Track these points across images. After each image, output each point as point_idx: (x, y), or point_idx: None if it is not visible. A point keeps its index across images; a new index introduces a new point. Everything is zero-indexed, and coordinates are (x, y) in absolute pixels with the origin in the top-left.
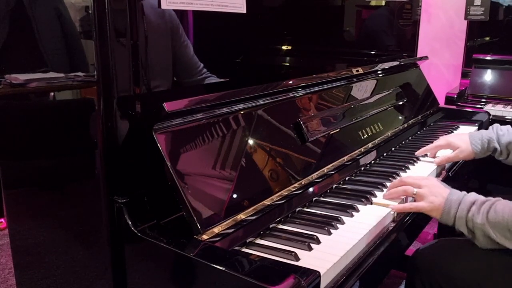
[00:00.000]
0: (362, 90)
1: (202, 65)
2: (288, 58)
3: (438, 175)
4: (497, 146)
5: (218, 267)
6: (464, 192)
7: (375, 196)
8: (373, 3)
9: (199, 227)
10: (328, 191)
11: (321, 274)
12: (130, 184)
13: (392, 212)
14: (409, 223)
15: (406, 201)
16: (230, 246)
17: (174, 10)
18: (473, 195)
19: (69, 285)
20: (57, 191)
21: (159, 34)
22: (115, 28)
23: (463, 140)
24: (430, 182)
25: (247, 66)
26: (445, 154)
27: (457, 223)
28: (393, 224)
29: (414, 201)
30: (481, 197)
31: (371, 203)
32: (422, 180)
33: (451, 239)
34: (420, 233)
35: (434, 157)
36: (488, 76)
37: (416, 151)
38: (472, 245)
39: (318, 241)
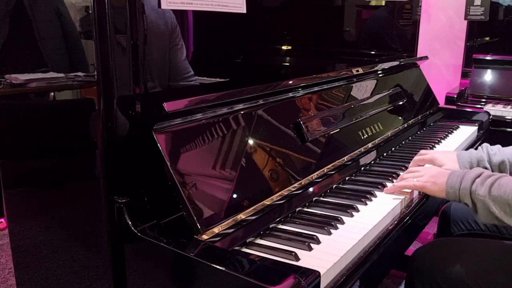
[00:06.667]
0: (362, 90)
1: (192, 71)
2: (288, 58)
3: None
4: (488, 166)
5: (218, 267)
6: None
7: (375, 196)
8: (373, 3)
9: (199, 227)
10: (328, 191)
11: (321, 274)
12: (130, 184)
13: (397, 208)
14: (409, 224)
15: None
16: (230, 246)
17: (174, 10)
18: (478, 169)
19: (69, 285)
20: (57, 191)
21: (159, 34)
22: (115, 28)
23: (449, 158)
24: (429, 169)
25: (247, 66)
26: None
27: (461, 194)
28: (393, 224)
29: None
30: (487, 171)
31: (376, 197)
32: (421, 170)
33: (450, 239)
34: (420, 233)
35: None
36: (488, 76)
37: (416, 151)
38: (471, 245)
39: (318, 241)
